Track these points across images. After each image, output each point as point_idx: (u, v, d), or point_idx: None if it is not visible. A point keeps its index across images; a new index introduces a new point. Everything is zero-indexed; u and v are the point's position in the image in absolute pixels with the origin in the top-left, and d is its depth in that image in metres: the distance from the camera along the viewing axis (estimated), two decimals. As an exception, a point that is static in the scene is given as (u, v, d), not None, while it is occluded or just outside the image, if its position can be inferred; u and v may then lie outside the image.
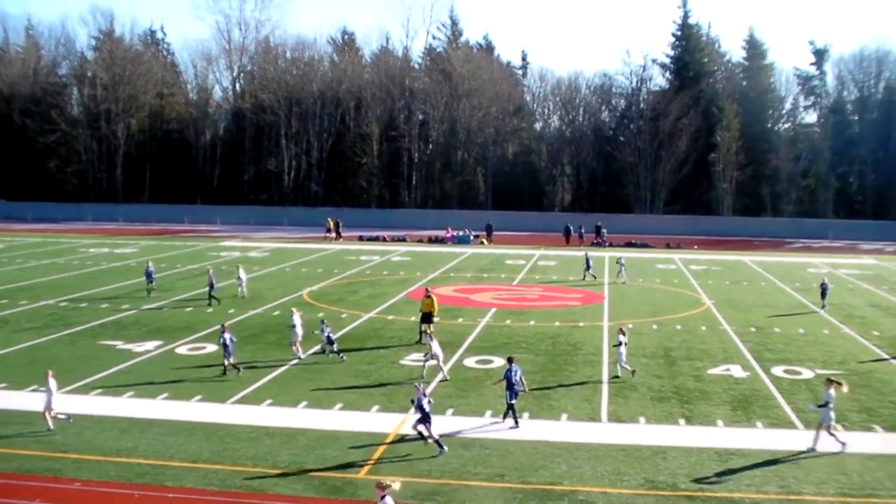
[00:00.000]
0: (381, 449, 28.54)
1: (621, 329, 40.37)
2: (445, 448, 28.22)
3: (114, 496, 24.61)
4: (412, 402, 29.63)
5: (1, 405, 32.87)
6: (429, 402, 28.72)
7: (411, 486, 25.22)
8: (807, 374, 39.51)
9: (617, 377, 38.39)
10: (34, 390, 35.01)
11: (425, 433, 28.67)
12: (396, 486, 20.45)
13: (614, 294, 64.27)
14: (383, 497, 20.07)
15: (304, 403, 33.66)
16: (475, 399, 34.39)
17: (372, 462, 27.30)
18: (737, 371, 39.98)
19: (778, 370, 40.09)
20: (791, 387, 37.08)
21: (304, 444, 29.05)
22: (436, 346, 38.02)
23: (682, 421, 31.94)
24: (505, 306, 57.98)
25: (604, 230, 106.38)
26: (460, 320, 52.15)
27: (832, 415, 28.99)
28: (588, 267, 71.95)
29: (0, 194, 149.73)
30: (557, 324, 51.50)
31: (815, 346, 46.00)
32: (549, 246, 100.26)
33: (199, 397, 34.45)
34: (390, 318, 53.07)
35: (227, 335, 38.51)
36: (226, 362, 38.47)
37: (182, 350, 43.16)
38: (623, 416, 32.12)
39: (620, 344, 38.71)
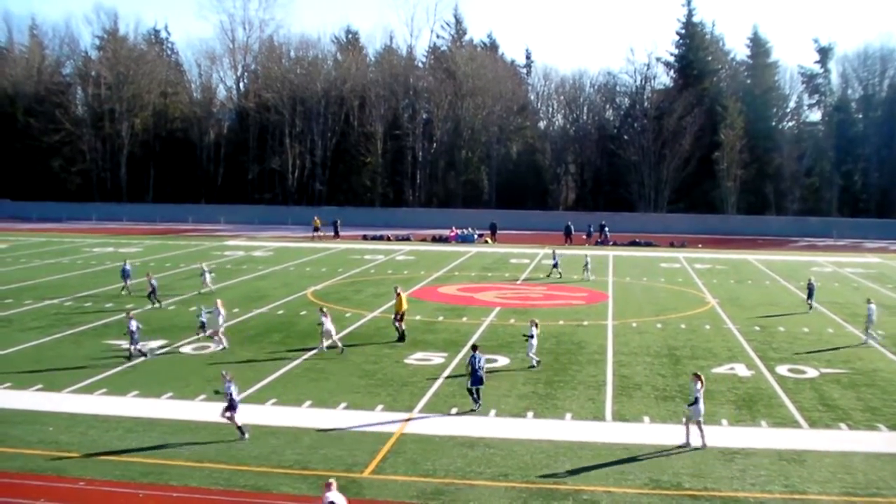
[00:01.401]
0: (386, 448, 28.54)
1: (533, 322, 41.67)
2: (247, 435, 29.29)
3: (118, 495, 24.64)
4: (216, 392, 30.84)
5: (6, 404, 32.89)
6: (237, 388, 29.91)
7: (416, 485, 25.28)
8: (811, 373, 39.48)
9: (532, 366, 39.82)
10: (39, 390, 35.10)
11: (231, 418, 29.52)
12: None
13: (619, 293, 64.24)
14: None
15: (308, 403, 33.68)
16: (482, 399, 34.33)
17: (376, 461, 27.31)
18: (741, 370, 39.95)
19: (782, 369, 40.06)
20: (795, 386, 37.05)
21: (309, 443, 29.06)
22: (328, 323, 42.50)
23: (686, 420, 31.91)
24: (509, 305, 57.98)
25: (607, 229, 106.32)
26: (464, 319, 52.17)
27: (702, 409, 29.31)
28: (555, 264, 72.90)
29: (4, 194, 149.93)
30: (561, 323, 51.49)
31: (819, 345, 45.94)
32: (554, 245, 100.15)
33: (203, 396, 34.47)
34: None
35: (133, 323, 40.66)
36: (132, 349, 40.72)
37: (186, 349, 43.18)
38: (627, 416, 32.11)
39: (532, 336, 40.05)
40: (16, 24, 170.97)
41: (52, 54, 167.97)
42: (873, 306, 47.34)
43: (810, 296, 57.16)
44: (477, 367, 32.84)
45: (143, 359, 40.55)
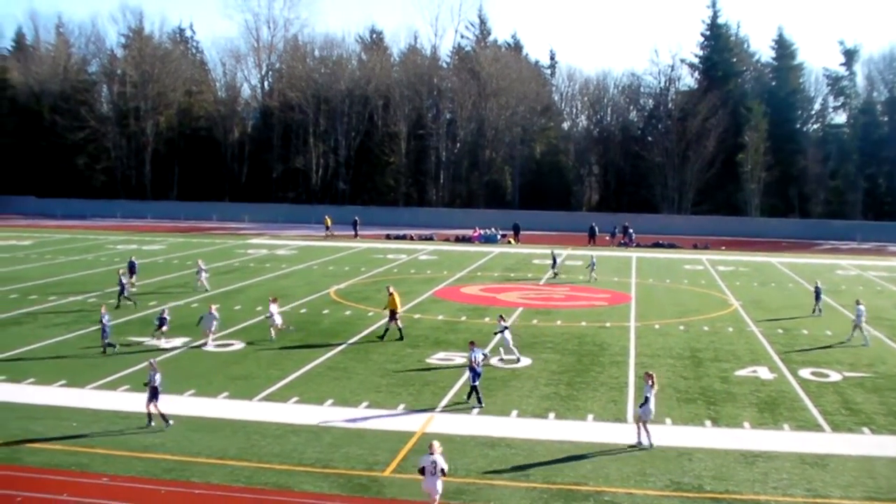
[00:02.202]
0: (407, 447, 28.59)
1: (502, 316, 42.98)
2: (170, 422, 30.42)
3: (140, 491, 24.77)
4: (145, 384, 30.89)
5: (30, 399, 33.09)
6: (160, 378, 30.61)
7: (437, 485, 25.32)
8: (834, 376, 39.36)
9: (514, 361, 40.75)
10: (62, 385, 35.29)
11: (154, 410, 30.32)
12: None
13: (641, 295, 64.15)
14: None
15: (330, 401, 33.76)
16: (501, 399, 34.41)
17: (398, 460, 27.35)
18: (764, 373, 39.86)
19: (805, 372, 39.95)
20: (818, 389, 36.95)
21: (330, 441, 29.14)
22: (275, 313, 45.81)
23: (708, 422, 31.89)
24: (532, 306, 57.97)
25: (631, 230, 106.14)
26: (487, 319, 52.15)
27: (652, 410, 29.42)
28: (554, 263, 73.43)
29: (30, 191, 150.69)
30: (584, 324, 51.47)
31: (842, 349, 45.79)
32: (577, 246, 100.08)
33: (225, 394, 34.62)
34: (416, 316, 53.12)
35: (105, 317, 41.92)
36: (103, 342, 41.71)
37: (209, 347, 43.31)
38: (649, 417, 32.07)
39: (503, 330, 41.11)
40: (42, 22, 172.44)
41: (78, 52, 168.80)
42: (862, 307, 47.63)
43: (817, 299, 56.77)
44: (475, 362, 33.52)
45: (114, 350, 41.83)
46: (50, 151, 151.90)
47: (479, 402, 33.41)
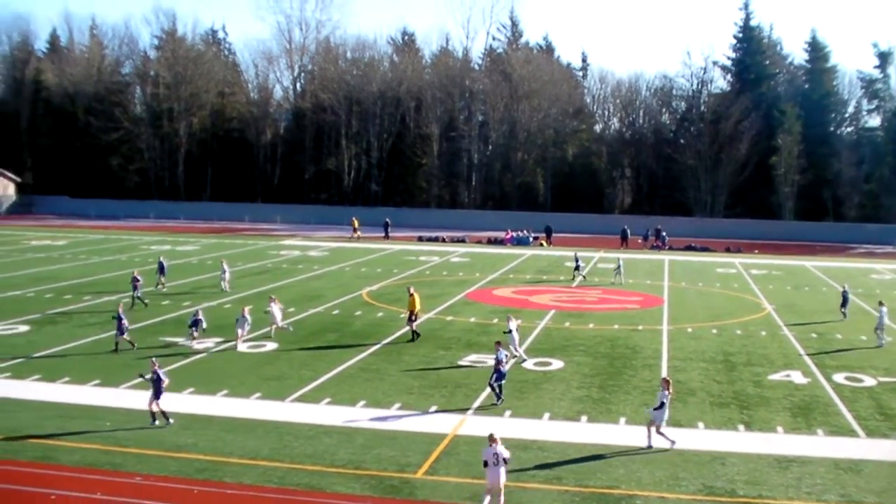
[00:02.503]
0: (439, 449, 28.61)
1: (509, 317, 43.91)
2: (171, 420, 30.87)
3: (173, 491, 24.90)
4: (144, 377, 31.67)
5: (65, 399, 33.32)
6: (164, 376, 31.18)
7: (469, 487, 25.33)
8: (869, 381, 39.13)
9: (518, 360, 41.15)
10: (96, 385, 35.51)
11: (156, 409, 30.75)
12: None
13: (674, 298, 63.98)
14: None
15: (362, 402, 33.83)
16: (533, 401, 34.41)
17: (429, 462, 27.38)
18: (797, 377, 39.66)
19: (839, 377, 39.73)
20: (852, 394, 36.75)
21: (362, 442, 29.19)
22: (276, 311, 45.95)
23: (741, 427, 31.77)
24: (564, 308, 57.91)
25: (664, 233, 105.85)
26: (519, 322, 52.10)
27: (666, 415, 29.44)
28: (577, 267, 73.44)
29: (64, 191, 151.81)
30: (616, 327, 51.37)
31: (877, 354, 45.52)
32: (609, 248, 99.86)
33: (258, 395, 34.75)
34: (449, 318, 53.15)
35: (122, 316, 42.82)
36: (118, 339, 42.44)
37: (242, 347, 43.47)
38: (682, 421, 31.93)
39: (510, 331, 41.53)
40: (76, 24, 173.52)
41: (112, 54, 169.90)
42: (885, 309, 48.08)
43: (844, 304, 56.41)
44: (502, 363, 34.09)
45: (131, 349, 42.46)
46: (84, 152, 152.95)
47: (498, 396, 34.13)
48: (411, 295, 47.30)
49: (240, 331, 43.91)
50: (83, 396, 33.24)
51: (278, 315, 47.34)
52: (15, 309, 53.42)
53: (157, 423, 30.57)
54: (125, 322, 42.77)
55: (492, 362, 38.01)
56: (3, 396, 34.03)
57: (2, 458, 27.12)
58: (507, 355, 35.49)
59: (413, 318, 46.92)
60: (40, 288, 61.58)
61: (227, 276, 63.62)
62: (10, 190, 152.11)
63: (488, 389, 35.30)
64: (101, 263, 76.78)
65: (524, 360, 41.39)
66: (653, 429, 29.38)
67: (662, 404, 29.29)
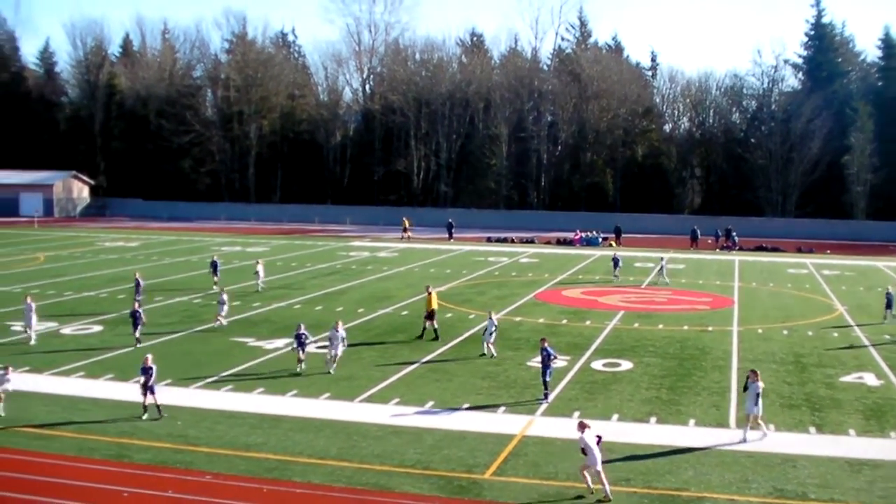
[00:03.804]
0: (507, 450, 28.63)
1: (489, 311, 44.89)
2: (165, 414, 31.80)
3: (242, 490, 25.17)
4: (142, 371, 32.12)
5: (137, 398, 33.65)
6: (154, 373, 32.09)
7: (537, 488, 25.35)
8: (943, 383, 38.65)
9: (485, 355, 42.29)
10: (168, 385, 35.89)
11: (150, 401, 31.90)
12: None
13: (744, 298, 63.48)
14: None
15: (430, 403, 33.95)
16: (602, 402, 34.33)
17: (497, 463, 27.42)
18: (870, 379, 39.21)
19: (913, 379, 39.30)
20: (926, 396, 36.32)
21: (431, 443, 29.31)
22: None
23: (812, 429, 31.48)
24: (633, 309, 57.67)
25: (734, 233, 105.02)
26: (588, 323, 52.04)
27: (759, 407, 30.08)
28: (616, 266, 72.73)
29: (136, 193, 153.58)
30: (686, 328, 51.09)
31: (952, 355, 44.91)
32: (679, 249, 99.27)
33: (327, 395, 34.99)
34: (517, 319, 53.15)
35: (140, 312, 44.97)
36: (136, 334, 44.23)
37: (311, 348, 43.65)
38: (745, 425, 31.65)
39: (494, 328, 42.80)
40: (149, 28, 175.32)
41: (184, 58, 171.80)
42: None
43: (889, 306, 55.23)
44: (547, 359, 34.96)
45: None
46: (156, 155, 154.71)
47: (545, 391, 35.05)
48: (429, 294, 47.76)
49: (333, 352, 39.92)
50: (155, 396, 33.56)
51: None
52: (89, 309, 54.23)
53: (146, 415, 31.75)
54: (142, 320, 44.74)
55: (561, 363, 38.09)
56: (76, 395, 34.61)
57: (76, 456, 27.57)
58: (554, 355, 35.43)
59: (430, 316, 47.26)
60: (113, 289, 62.39)
61: (262, 276, 64.11)
62: (85, 193, 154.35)
63: (557, 390, 35.38)
64: (173, 265, 77.60)
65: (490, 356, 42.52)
66: (753, 422, 30.00)
67: (757, 395, 29.66)
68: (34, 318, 44.94)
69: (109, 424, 30.86)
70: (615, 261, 72.81)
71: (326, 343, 40.60)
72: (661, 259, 73.29)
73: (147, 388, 31.60)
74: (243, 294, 61.04)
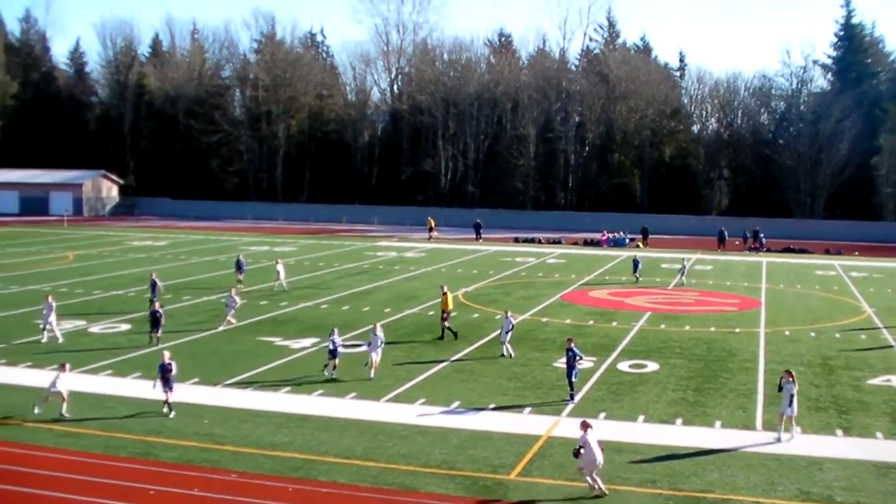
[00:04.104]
0: (533, 451, 28.67)
1: (505, 312, 44.41)
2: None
3: (268, 488, 25.29)
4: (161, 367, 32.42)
5: (163, 397, 33.94)
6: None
7: (562, 489, 25.38)
8: (972, 386, 38.45)
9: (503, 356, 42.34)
10: (195, 383, 36.11)
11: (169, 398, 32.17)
12: None
13: (771, 300, 63.27)
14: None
15: (456, 403, 34.00)
16: (628, 404, 34.31)
17: (523, 464, 27.45)
18: (898, 382, 39.09)
19: (942, 382, 39.09)
20: (955, 399, 36.13)
21: (457, 443, 29.37)
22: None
23: (839, 432, 31.37)
24: (660, 310, 57.56)
25: (762, 235, 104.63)
26: (614, 324, 52.00)
27: (792, 407, 30.25)
28: (636, 268, 72.41)
29: (165, 192, 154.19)
30: (713, 329, 50.96)
31: (981, 358, 44.68)
32: (706, 250, 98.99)
33: (353, 394, 35.10)
34: (544, 320, 53.15)
35: (160, 311, 44.69)
36: (153, 335, 43.94)
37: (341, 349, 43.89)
38: (778, 425, 31.58)
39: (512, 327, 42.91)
40: (178, 29, 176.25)
41: (212, 58, 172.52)
42: None
43: None
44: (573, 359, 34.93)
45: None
46: (184, 154, 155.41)
47: (571, 392, 35.08)
48: (444, 294, 47.84)
49: (373, 356, 38.81)
50: (182, 394, 33.62)
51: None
52: (117, 308, 54.54)
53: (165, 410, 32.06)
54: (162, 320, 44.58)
55: (587, 364, 38.09)
56: (103, 393, 34.83)
57: (103, 454, 27.75)
58: (579, 355, 35.40)
59: (445, 316, 47.29)
60: (142, 287, 62.60)
61: (283, 275, 64.01)
62: (114, 192, 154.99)
63: (583, 391, 35.45)
64: (201, 264, 77.89)
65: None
66: (787, 423, 30.35)
67: (792, 397, 29.82)
68: (53, 316, 45.04)
69: (136, 422, 31.07)
70: (635, 262, 72.67)
71: (358, 343, 40.61)
72: (684, 260, 73.44)
73: (167, 384, 31.91)
74: (271, 294, 61.24)
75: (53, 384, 31.57)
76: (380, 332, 39.16)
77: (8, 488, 24.89)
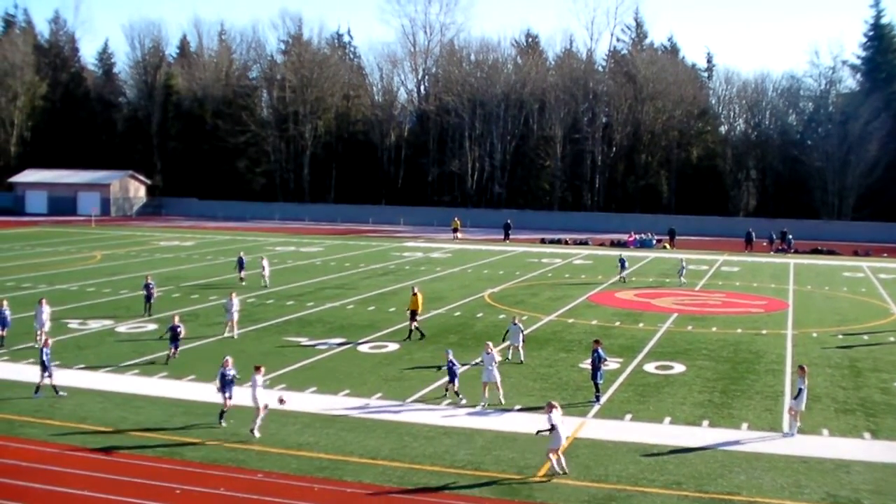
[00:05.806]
0: (559, 452, 28.60)
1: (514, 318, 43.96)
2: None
3: (294, 488, 25.33)
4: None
5: (190, 396, 34.12)
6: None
7: (587, 490, 25.30)
8: None
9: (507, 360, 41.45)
10: (222, 384, 36.18)
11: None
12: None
13: (799, 302, 62.98)
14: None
15: (481, 404, 33.93)
16: (654, 405, 34.20)
17: (548, 465, 27.36)
18: (927, 384, 38.83)
19: (971, 384, 38.82)
20: (984, 402, 35.87)
21: (482, 444, 29.34)
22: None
23: (867, 434, 31.18)
24: (686, 312, 57.37)
25: (790, 236, 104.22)
26: (641, 325, 51.85)
27: (804, 400, 30.61)
28: (622, 268, 72.23)
29: (192, 193, 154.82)
30: (740, 331, 50.76)
31: None
32: (733, 251, 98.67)
33: (379, 395, 35.11)
34: (571, 321, 53.05)
35: (179, 327, 41.15)
36: (172, 351, 40.72)
37: (364, 348, 43.93)
38: (805, 428, 31.39)
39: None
40: (206, 30, 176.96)
41: (240, 58, 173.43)
42: None
43: None
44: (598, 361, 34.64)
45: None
46: (212, 155, 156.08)
47: (596, 393, 35.02)
48: (414, 294, 47.59)
49: (491, 377, 35.23)
50: (208, 394, 33.68)
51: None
52: (144, 308, 54.63)
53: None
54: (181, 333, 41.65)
55: (614, 365, 38.00)
56: (131, 393, 34.93)
57: (130, 453, 27.85)
58: (603, 357, 35.27)
59: (415, 317, 46.99)
60: (168, 287, 62.87)
61: (267, 272, 65.00)
62: (141, 192, 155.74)
63: (609, 393, 35.37)
64: (227, 264, 77.96)
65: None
66: (793, 414, 30.52)
67: (801, 390, 29.93)
68: (46, 319, 43.24)
69: (163, 422, 31.14)
70: (621, 262, 72.57)
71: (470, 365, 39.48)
72: (682, 261, 73.46)
73: (224, 388, 31.08)
74: (299, 294, 61.36)
75: (254, 389, 30.72)
76: (494, 352, 35.32)
77: (38, 487, 25.01)
